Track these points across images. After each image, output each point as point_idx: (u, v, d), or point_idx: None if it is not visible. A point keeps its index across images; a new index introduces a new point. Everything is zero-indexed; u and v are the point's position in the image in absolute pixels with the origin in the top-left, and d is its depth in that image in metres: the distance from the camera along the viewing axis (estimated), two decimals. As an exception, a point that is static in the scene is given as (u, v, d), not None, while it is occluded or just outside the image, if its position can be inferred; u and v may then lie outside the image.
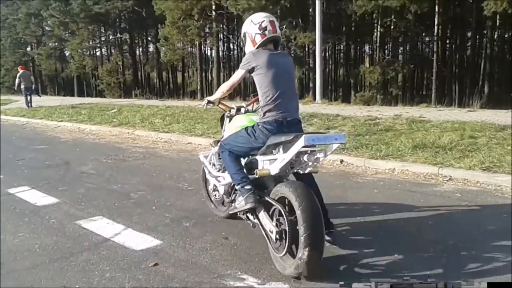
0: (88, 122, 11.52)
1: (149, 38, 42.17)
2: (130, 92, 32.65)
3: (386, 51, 27.24)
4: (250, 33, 3.24)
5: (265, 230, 2.98)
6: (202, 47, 33.12)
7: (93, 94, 37.43)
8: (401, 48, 28.90)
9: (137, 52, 41.88)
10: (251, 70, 3.16)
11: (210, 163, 3.83)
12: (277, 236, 2.83)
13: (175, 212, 4.20)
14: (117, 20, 38.30)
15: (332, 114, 9.66)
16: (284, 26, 22.79)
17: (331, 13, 23.99)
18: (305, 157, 2.90)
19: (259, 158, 3.18)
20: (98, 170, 6.22)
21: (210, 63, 40.64)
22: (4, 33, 43.53)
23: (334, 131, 7.81)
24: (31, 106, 16.04)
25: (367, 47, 34.80)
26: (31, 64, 46.32)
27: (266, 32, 3.19)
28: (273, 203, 2.91)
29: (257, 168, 3.15)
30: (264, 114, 3.10)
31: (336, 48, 35.75)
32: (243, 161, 3.36)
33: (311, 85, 23.46)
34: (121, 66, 37.45)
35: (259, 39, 3.20)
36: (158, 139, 8.87)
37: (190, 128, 9.29)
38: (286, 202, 2.82)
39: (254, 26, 3.21)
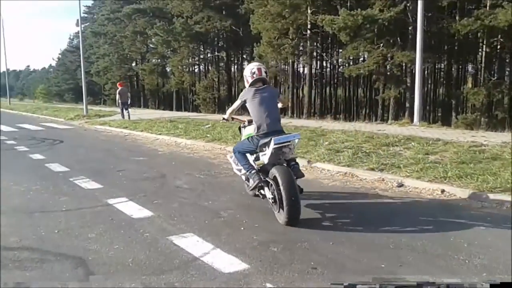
0: (184, 136, 12.00)
1: (244, 56, 43.50)
2: (223, 107, 33.76)
3: (491, 72, 25.29)
4: (246, 75, 5.07)
5: (268, 199, 4.62)
6: (295, 65, 33.39)
7: (190, 109, 39.34)
8: (508, 69, 26.68)
9: (232, 69, 43.34)
10: (244, 102, 4.97)
11: (234, 162, 5.33)
12: (272, 200, 4.50)
13: (263, 234, 4.13)
14: (216, 39, 40.07)
15: (432, 138, 9.08)
16: (381, 44, 22.19)
17: (432, 31, 22.88)
18: (284, 150, 4.58)
19: (260, 154, 4.84)
20: (191, 185, 6.40)
21: (302, 80, 40.84)
22: (112, 49, 47.76)
23: (434, 157, 7.32)
24: (129, 118, 17.75)
25: (470, 67, 32.67)
26: (135, 78, 50.06)
27: (255, 75, 4.96)
28: (269, 180, 4.56)
29: (263, 157, 4.77)
30: (257, 128, 4.82)
31: (436, 67, 34.02)
32: (252, 157, 5.02)
33: (407, 105, 22.50)
34: (216, 82, 39.02)
35: (250, 80, 4.99)
36: (248, 156, 8.95)
37: (280, 146, 9.26)
38: (276, 179, 4.38)
39: (248, 71, 5.06)
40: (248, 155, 5.01)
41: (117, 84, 20.91)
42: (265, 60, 29.05)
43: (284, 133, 4.81)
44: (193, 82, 40.82)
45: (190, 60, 40.54)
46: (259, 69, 4.98)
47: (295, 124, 13.43)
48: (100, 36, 52.28)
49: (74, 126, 18.33)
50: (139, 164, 8.38)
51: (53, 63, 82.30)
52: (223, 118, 5.51)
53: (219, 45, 41.00)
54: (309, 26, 26.65)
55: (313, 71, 31.97)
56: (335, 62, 37.31)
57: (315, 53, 31.48)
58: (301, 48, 28.92)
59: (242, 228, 4.32)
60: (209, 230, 4.26)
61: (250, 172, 4.81)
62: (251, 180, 4.86)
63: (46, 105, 41.51)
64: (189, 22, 35.93)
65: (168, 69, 44.75)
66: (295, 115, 29.80)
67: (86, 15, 63.47)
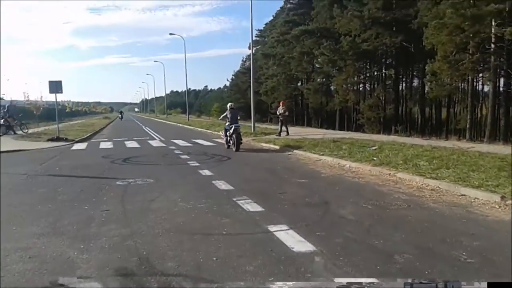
0: (348, 158, 11.28)
1: (415, 73, 40.93)
2: (389, 127, 32.09)
3: None
4: (228, 107, 15.71)
5: (231, 144, 15.19)
6: (474, 82, 29.95)
7: (353, 128, 38.38)
8: None
9: (401, 87, 41.10)
10: (226, 115, 15.46)
11: (222, 134, 16.45)
12: (232, 144, 15.08)
13: (455, 296, 3.21)
14: (384, 56, 38.54)
15: None
16: None
17: None
18: (238, 129, 14.99)
19: (230, 130, 15.19)
20: (357, 216, 5.68)
21: (481, 99, 36.55)
22: (280, 69, 49.79)
23: None
24: (280, 135, 20.38)
25: None
26: (300, 97, 51.18)
27: (230, 107, 15.67)
28: (233, 138, 14.94)
29: (229, 132, 15.22)
30: (230, 123, 15.20)
31: None
32: (227, 132, 15.59)
33: None
34: (382, 101, 37.35)
35: (229, 108, 15.61)
36: (423, 186, 7.79)
37: (463, 176, 7.89)
38: (234, 136, 14.87)
39: (228, 105, 15.77)
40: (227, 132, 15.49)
41: (280, 102, 22.94)
42: (440, 77, 26.55)
43: (238, 124, 14.92)
44: (358, 100, 39.79)
45: (356, 78, 39.69)
46: (231, 105, 15.59)
47: (478, 150, 11.63)
48: (269, 57, 54.97)
49: (242, 143, 19.04)
50: (301, 186, 7.96)
51: (228, 84, 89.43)
52: (220, 119, 17.03)
53: (387, 62, 39.31)
54: (493, 40, 23.54)
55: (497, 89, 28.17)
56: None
57: (499, 69, 27.71)
58: (481, 64, 25.75)
59: (425, 282, 3.47)
60: (382, 279, 3.51)
61: (227, 137, 15.28)
62: (227, 139, 15.39)
63: (219, 122, 44.85)
64: (356, 40, 35.24)
65: (332, 88, 44.60)
66: (474, 137, 26.54)
67: (257, 38, 67.62)
